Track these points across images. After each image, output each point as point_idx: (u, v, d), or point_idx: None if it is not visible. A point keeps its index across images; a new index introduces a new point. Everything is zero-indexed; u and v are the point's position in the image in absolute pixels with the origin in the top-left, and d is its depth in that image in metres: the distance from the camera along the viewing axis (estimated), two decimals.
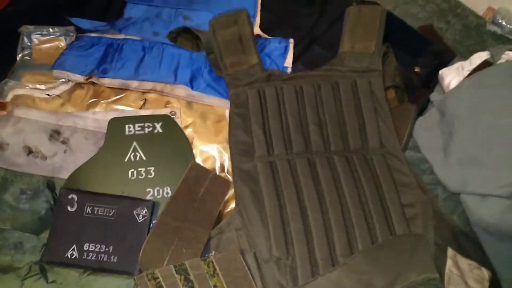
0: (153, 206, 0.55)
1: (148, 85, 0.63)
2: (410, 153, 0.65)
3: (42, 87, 0.63)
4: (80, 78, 0.63)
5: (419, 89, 0.70)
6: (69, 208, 0.53)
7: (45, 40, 0.68)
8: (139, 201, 0.55)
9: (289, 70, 0.69)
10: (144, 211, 0.54)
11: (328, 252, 0.53)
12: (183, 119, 0.63)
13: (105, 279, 0.51)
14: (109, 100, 0.63)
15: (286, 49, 0.71)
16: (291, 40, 0.72)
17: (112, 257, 0.52)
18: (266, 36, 0.73)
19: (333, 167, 0.59)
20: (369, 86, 0.64)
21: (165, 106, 0.63)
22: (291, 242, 0.53)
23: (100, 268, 0.51)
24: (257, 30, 0.74)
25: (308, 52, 0.73)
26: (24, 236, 0.52)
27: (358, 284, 0.49)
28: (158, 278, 0.45)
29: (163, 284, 0.45)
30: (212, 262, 0.47)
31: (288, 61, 0.70)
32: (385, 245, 0.53)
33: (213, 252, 0.52)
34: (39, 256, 0.51)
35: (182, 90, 0.64)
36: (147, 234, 0.53)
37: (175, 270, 0.46)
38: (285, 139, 0.60)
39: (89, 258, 0.51)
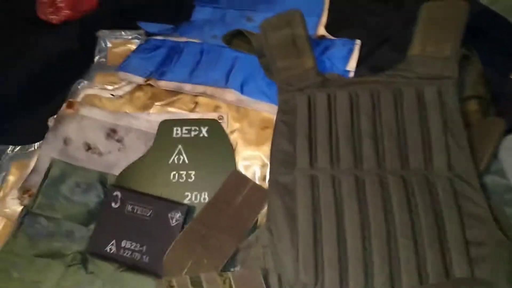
0: (187, 210, 0.55)
1: (200, 88, 0.64)
2: (493, 178, 0.54)
3: (110, 87, 0.68)
4: (140, 80, 0.66)
5: None
6: (113, 205, 0.56)
7: (119, 43, 0.73)
8: (174, 204, 0.55)
9: (351, 74, 0.63)
10: (178, 214, 0.54)
11: (364, 285, 0.46)
12: (230, 124, 0.61)
13: (137, 277, 0.53)
14: (163, 102, 0.64)
15: (350, 51, 0.64)
16: (358, 41, 0.65)
17: (144, 256, 0.53)
18: (331, 37, 0.68)
19: (385, 188, 0.52)
20: (439, 96, 0.54)
21: (214, 111, 0.62)
22: (321, 268, 0.47)
23: (133, 266, 0.53)
24: (321, 30, 0.69)
25: (377, 55, 0.65)
26: (74, 226, 0.57)
27: None
28: (174, 287, 0.45)
29: None
30: (230, 279, 0.45)
31: (351, 65, 0.64)
32: None
33: (238, 267, 0.50)
34: (85, 246, 0.55)
35: (231, 94, 0.62)
36: None
37: (191, 281, 0.45)
38: (332, 152, 0.54)
39: (124, 254, 0.54)
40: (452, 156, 0.53)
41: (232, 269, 0.48)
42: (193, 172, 0.58)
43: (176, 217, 0.54)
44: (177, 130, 0.61)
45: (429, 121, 0.54)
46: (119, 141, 0.62)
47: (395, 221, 0.50)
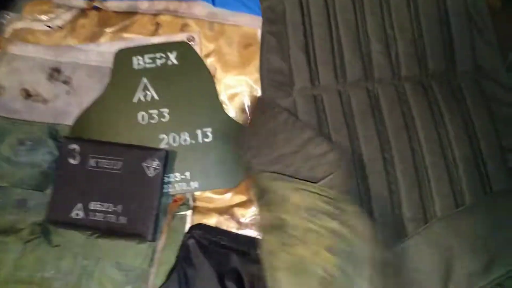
0: (166, 156, 0.44)
1: (160, 4, 0.50)
2: None
3: (44, 17, 0.53)
4: (81, 3, 0.52)
5: None
6: (71, 161, 0.45)
7: None
8: (149, 151, 0.44)
9: None
10: (156, 163, 0.43)
11: (391, 216, 0.39)
12: (204, 45, 0.49)
13: (116, 242, 0.43)
14: (116, 28, 0.51)
15: None
16: None
17: (120, 217, 0.43)
18: None
19: (403, 100, 0.43)
20: None
21: (182, 31, 0.50)
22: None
23: (108, 230, 0.43)
24: None
25: None
26: (27, 193, 0.45)
27: (434, 267, 0.35)
28: None
29: None
30: None
31: None
32: (476, 209, 0.38)
33: None
34: (43, 214, 0.44)
35: (201, 8, 0.49)
36: (160, 191, 0.43)
37: None
38: (335, 64, 0.44)
39: (95, 218, 0.43)
40: (478, 55, 0.44)
41: None
42: (167, 110, 0.47)
43: (153, 165, 0.44)
44: (138, 60, 0.48)
45: (449, 15, 0.44)
46: (65, 82, 0.49)
47: (419, 136, 0.41)
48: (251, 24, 0.49)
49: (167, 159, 0.44)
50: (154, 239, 0.43)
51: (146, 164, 0.43)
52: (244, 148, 0.42)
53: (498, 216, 0.37)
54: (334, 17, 0.45)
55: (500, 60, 0.44)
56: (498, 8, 0.47)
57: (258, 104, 0.44)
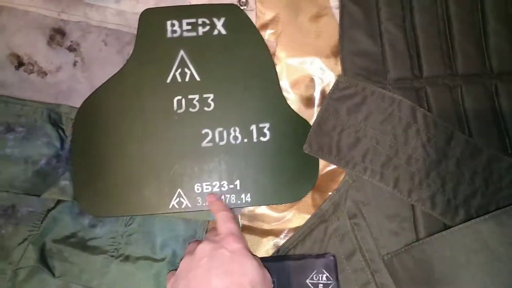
0: (335, 263, 0.32)
1: None
2: None
3: None
4: None
5: None
6: None
7: None
8: (310, 260, 0.32)
9: None
10: (324, 276, 0.31)
11: None
12: (260, 12, 0.37)
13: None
14: None
15: None
16: None
17: None
18: None
19: None
20: None
21: None
22: None
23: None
24: None
25: None
26: (17, 198, 0.33)
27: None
28: None
29: None
30: None
31: None
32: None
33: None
34: (40, 228, 0.33)
35: None
36: None
37: None
38: (443, 50, 0.34)
39: None
40: None
41: None
42: (211, 96, 0.35)
43: (322, 281, 0.31)
44: (173, 26, 0.36)
45: None
46: (72, 49, 0.36)
47: None
48: None
49: (336, 266, 0.32)
50: None
51: (311, 281, 0.31)
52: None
53: None
54: None
55: None
56: None
57: (335, 95, 0.33)
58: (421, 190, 0.30)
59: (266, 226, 0.35)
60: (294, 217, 0.35)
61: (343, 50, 0.34)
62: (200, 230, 0.34)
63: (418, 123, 0.31)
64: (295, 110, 0.36)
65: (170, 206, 0.34)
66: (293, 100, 0.36)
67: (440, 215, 0.30)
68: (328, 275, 0.31)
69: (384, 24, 0.34)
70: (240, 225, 0.35)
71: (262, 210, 0.35)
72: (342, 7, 0.35)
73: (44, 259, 0.32)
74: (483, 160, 0.30)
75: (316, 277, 0.31)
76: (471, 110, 0.32)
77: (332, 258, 0.31)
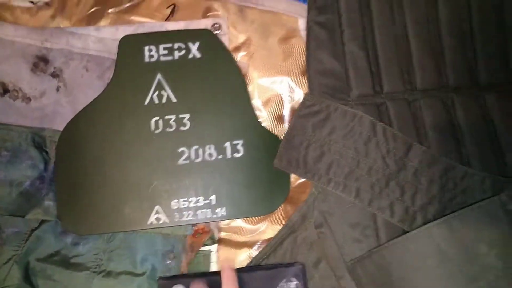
0: (304, 271, 0.34)
1: None
2: None
3: None
4: None
5: None
6: None
7: None
8: (280, 269, 0.33)
9: None
10: (294, 284, 0.33)
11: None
12: (233, 36, 0.40)
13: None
14: (120, 9, 0.40)
15: None
16: None
17: None
18: None
19: (483, 111, 0.35)
20: None
21: (204, 16, 0.40)
22: None
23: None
24: None
25: None
26: (2, 219, 0.35)
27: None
28: None
29: None
30: None
31: None
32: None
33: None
34: (24, 248, 0.34)
35: None
36: None
37: None
38: (402, 67, 0.36)
39: None
40: None
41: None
42: (187, 116, 0.37)
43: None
44: (150, 51, 0.38)
45: None
46: (55, 75, 0.38)
47: None
48: (291, 11, 0.40)
49: (305, 274, 0.34)
50: None
51: None
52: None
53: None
54: (400, 5, 0.36)
55: None
56: None
57: (301, 112, 0.35)
58: (381, 199, 0.32)
59: (241, 238, 0.37)
60: (268, 228, 0.37)
61: (309, 70, 0.36)
62: (178, 245, 0.36)
63: (378, 137, 0.33)
64: (267, 127, 0.38)
65: (149, 222, 0.35)
66: (265, 117, 0.39)
67: (398, 222, 0.31)
68: (298, 282, 0.32)
69: (347, 45, 0.36)
70: (217, 238, 0.36)
71: (238, 223, 0.37)
72: (309, 29, 0.37)
73: (28, 278, 0.33)
74: (439, 169, 0.32)
75: (286, 286, 0.32)
76: (430, 122, 0.34)
77: (301, 266, 0.33)
